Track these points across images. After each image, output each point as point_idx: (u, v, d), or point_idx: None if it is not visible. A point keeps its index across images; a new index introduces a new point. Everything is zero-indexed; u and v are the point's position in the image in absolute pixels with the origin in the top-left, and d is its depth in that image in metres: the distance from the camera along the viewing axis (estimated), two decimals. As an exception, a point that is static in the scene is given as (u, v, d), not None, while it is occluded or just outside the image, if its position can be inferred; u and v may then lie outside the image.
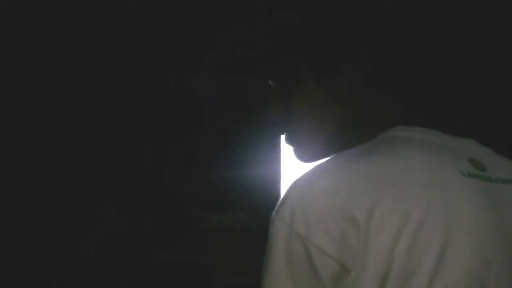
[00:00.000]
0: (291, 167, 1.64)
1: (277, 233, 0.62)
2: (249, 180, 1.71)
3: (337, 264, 0.58)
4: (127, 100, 1.73)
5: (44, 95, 1.67)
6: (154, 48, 1.69)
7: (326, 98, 0.75)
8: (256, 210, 1.75)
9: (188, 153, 1.81)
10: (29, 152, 1.64)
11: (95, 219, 1.59)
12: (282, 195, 0.65)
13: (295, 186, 0.64)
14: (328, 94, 0.75)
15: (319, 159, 0.78)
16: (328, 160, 0.68)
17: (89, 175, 1.70)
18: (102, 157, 1.71)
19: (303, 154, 0.81)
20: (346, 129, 0.76)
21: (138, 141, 1.77)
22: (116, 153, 1.72)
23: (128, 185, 1.74)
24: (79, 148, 1.69)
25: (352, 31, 0.74)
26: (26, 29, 1.63)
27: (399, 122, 0.72)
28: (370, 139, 0.71)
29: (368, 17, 0.76)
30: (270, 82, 0.80)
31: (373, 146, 0.69)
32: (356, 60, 0.74)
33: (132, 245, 1.56)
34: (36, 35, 1.64)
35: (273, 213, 0.64)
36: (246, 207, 1.74)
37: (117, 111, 1.73)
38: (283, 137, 0.83)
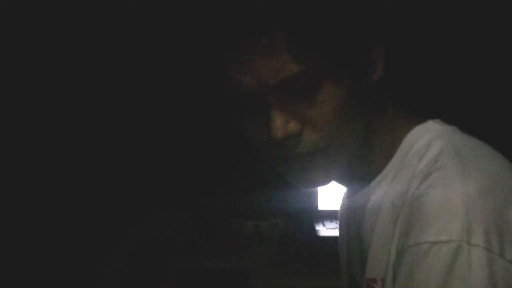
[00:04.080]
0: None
1: (472, 260, 0.53)
2: (286, 187, 1.72)
3: None
4: (133, 101, 1.72)
5: (44, 95, 1.67)
6: (154, 48, 1.66)
7: (357, 97, 0.63)
8: (292, 216, 1.75)
9: (228, 161, 1.82)
10: (29, 153, 1.65)
11: (132, 227, 1.61)
12: (449, 214, 0.55)
13: (469, 204, 0.55)
14: (360, 92, 0.63)
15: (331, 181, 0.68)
16: (468, 170, 0.59)
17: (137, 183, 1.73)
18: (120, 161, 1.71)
19: (321, 176, 0.66)
20: (372, 134, 0.68)
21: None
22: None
23: (167, 192, 1.78)
24: (86, 149, 1.69)
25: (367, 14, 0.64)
26: (26, 29, 1.62)
27: (415, 120, 0.69)
28: (387, 141, 0.69)
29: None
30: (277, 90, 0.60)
31: (458, 141, 0.64)
32: (369, 48, 0.64)
33: (168, 251, 1.59)
34: (36, 35, 1.63)
35: (446, 237, 0.54)
36: (283, 214, 1.75)
37: (121, 112, 1.72)
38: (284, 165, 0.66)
